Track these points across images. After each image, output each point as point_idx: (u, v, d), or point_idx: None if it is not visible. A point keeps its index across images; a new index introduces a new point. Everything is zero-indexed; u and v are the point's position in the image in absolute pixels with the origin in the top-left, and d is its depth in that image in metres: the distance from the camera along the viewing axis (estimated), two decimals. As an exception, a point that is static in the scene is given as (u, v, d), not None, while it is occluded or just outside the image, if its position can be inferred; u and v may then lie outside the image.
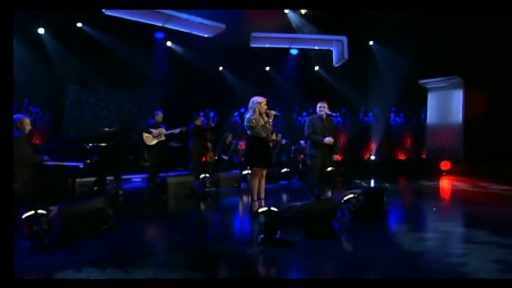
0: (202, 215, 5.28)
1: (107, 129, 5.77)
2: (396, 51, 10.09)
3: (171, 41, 9.64)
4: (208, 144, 8.44)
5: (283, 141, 9.35)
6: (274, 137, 4.70)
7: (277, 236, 3.52)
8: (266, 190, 5.00)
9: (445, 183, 8.23)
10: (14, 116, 4.10)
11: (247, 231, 3.94)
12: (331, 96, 11.00)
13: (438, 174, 9.22)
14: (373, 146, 11.50)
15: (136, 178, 8.32)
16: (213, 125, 8.78)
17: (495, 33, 8.74)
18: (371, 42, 10.38)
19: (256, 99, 4.56)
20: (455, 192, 7.18)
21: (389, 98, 11.08)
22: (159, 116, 7.37)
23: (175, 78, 9.88)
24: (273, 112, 4.56)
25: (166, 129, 7.41)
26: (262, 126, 4.43)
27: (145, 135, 7.09)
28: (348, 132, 11.53)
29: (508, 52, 8.65)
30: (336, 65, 9.95)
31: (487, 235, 3.67)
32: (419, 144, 11.39)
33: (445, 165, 9.31)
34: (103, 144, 4.81)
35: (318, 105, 5.32)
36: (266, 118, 4.55)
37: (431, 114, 10.99)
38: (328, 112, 5.33)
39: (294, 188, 7.57)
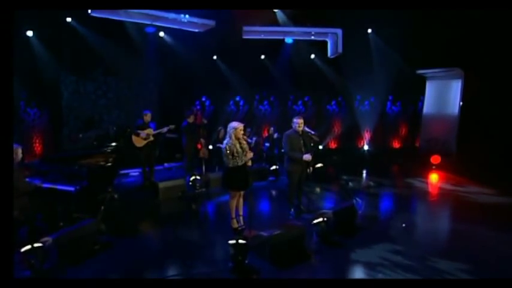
0: (183, 231, 5.28)
1: (112, 144, 5.98)
2: (394, 40, 9.81)
3: (163, 31, 9.52)
4: (202, 140, 8.70)
5: (275, 135, 9.51)
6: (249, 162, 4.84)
7: (246, 262, 3.92)
8: (255, 187, 5.32)
9: (432, 184, 8.28)
10: None
11: (220, 255, 4.29)
12: (326, 84, 10.96)
13: (428, 167, 9.37)
14: (368, 135, 11.59)
15: (134, 172, 8.68)
16: (205, 121, 8.94)
17: (499, 26, 8.38)
18: (369, 30, 10.06)
19: (233, 125, 4.71)
20: (437, 199, 7.17)
21: (386, 87, 10.96)
22: (148, 116, 7.52)
23: (170, 67, 9.89)
24: (247, 140, 4.72)
25: (155, 128, 7.62)
26: (236, 152, 4.60)
27: (134, 137, 7.35)
28: (342, 121, 11.58)
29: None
30: (331, 57, 9.77)
31: (434, 268, 3.93)
32: (414, 133, 11.43)
33: (435, 159, 9.42)
34: (101, 163, 5.15)
35: (295, 120, 5.39)
36: (244, 143, 4.72)
37: (428, 104, 10.88)
38: (307, 129, 5.45)
39: (281, 185, 7.85)
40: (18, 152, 4.34)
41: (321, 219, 4.51)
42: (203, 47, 9.78)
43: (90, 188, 4.82)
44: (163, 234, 5.20)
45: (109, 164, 5.36)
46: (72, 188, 4.69)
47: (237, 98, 11.44)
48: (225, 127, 9.60)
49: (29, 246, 3.70)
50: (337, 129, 11.61)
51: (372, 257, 4.19)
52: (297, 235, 4.19)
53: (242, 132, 4.72)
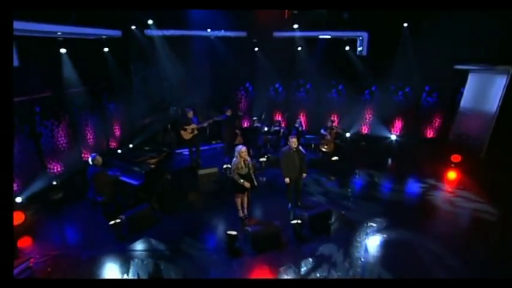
0: (206, 212, 7.26)
1: (164, 149, 8.23)
2: (433, 33, 9.69)
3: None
4: (237, 131, 10.59)
5: (300, 128, 10.79)
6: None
7: (237, 245, 5.95)
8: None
9: (440, 190, 8.33)
10: (92, 155, 6.61)
11: (221, 239, 6.31)
12: (360, 73, 11.40)
13: (447, 165, 9.72)
14: (399, 125, 11.93)
15: (186, 152, 11.02)
16: (240, 114, 10.70)
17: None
18: (405, 24, 10.00)
19: (239, 148, 6.40)
20: (431, 211, 7.35)
21: (423, 77, 10.95)
22: (190, 113, 9.57)
23: (218, 58, 11.47)
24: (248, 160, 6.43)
25: (198, 122, 9.67)
26: (241, 168, 6.34)
27: (182, 132, 9.55)
28: (374, 110, 12.04)
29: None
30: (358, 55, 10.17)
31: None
32: (447, 125, 11.36)
33: (455, 157, 9.67)
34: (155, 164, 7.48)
35: (290, 139, 6.80)
36: (248, 160, 6.42)
37: (467, 97, 10.62)
38: (301, 148, 6.84)
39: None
40: (99, 159, 6.61)
41: (295, 221, 6.18)
42: (245, 42, 11.10)
43: (148, 183, 7.22)
44: (193, 215, 7.34)
45: (160, 163, 7.68)
46: (135, 182, 7.16)
47: (277, 85, 12.71)
48: (260, 116, 11.28)
49: (113, 221, 6.29)
50: (368, 117, 12.19)
51: (325, 252, 5.80)
52: (273, 231, 5.98)
53: (245, 153, 6.39)
